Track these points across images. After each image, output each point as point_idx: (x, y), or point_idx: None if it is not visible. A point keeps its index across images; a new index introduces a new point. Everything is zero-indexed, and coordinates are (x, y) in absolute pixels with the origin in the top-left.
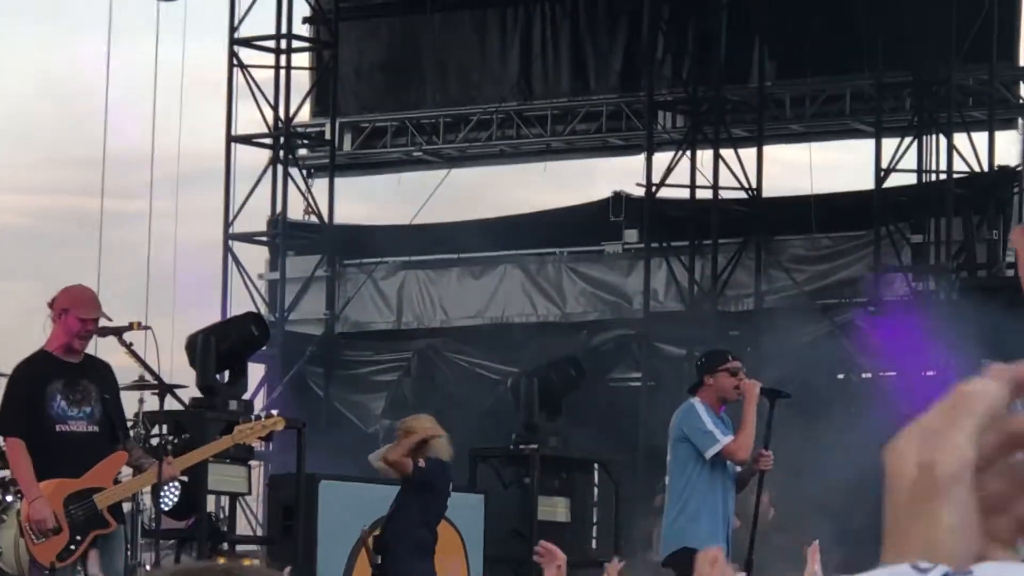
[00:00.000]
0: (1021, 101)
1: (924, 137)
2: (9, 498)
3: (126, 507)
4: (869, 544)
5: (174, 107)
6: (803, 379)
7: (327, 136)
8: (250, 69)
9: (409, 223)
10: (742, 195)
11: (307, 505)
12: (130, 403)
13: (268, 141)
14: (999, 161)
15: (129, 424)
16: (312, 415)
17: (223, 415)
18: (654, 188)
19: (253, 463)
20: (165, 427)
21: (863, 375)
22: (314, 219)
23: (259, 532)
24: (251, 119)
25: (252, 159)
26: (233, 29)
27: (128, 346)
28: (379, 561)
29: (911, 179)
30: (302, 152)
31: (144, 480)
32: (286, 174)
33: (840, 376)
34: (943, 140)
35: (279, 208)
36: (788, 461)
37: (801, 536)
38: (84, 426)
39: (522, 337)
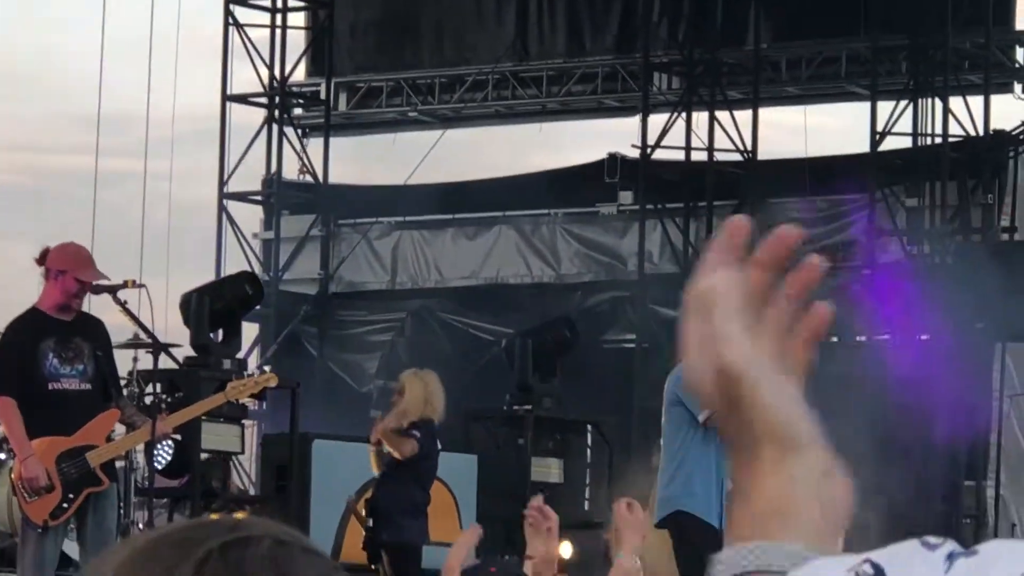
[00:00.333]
0: (1017, 65)
1: (920, 100)
2: (2, 456)
3: (119, 465)
4: (861, 508)
5: (169, 66)
6: None
7: (322, 96)
8: (246, 28)
9: (404, 183)
10: (737, 157)
11: (300, 465)
12: (124, 361)
13: (263, 100)
14: (995, 125)
15: (123, 383)
16: (306, 375)
17: (217, 373)
18: (649, 150)
19: (247, 423)
20: (159, 385)
21: (857, 339)
22: (309, 179)
23: (252, 491)
24: (246, 79)
25: (247, 118)
26: None
27: (122, 304)
28: (371, 523)
29: (906, 142)
30: (297, 112)
31: (137, 437)
32: (281, 134)
33: (834, 339)
34: (939, 104)
35: (274, 168)
36: None
37: None
38: (76, 384)
39: (516, 298)
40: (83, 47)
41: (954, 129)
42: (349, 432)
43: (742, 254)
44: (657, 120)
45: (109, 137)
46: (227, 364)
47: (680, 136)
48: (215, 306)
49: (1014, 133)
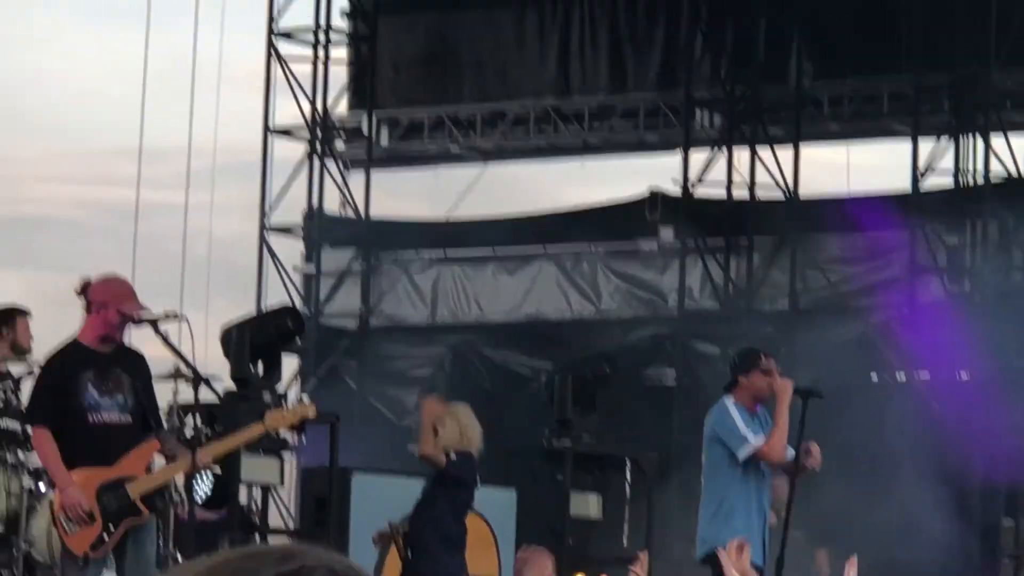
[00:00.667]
0: None
1: (961, 139)
2: (42, 487)
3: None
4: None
5: (211, 99)
6: (837, 379)
7: (364, 130)
8: (288, 62)
9: (445, 218)
10: (779, 195)
11: (339, 498)
12: (164, 394)
13: (305, 134)
14: None
15: (162, 415)
16: (345, 409)
17: (256, 406)
18: (691, 186)
19: (286, 455)
20: (199, 418)
21: (897, 377)
22: (350, 213)
23: (291, 525)
24: (288, 112)
25: (289, 152)
26: (272, 22)
27: (163, 336)
28: (409, 555)
29: (948, 180)
30: (339, 145)
31: (177, 468)
32: (323, 167)
33: (874, 377)
34: (980, 142)
35: (315, 201)
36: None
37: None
38: (117, 416)
39: (557, 333)
40: (125, 79)
41: (995, 167)
42: (388, 466)
43: None
44: (698, 157)
45: (151, 168)
46: (267, 397)
47: (721, 173)
48: (256, 340)
49: None
